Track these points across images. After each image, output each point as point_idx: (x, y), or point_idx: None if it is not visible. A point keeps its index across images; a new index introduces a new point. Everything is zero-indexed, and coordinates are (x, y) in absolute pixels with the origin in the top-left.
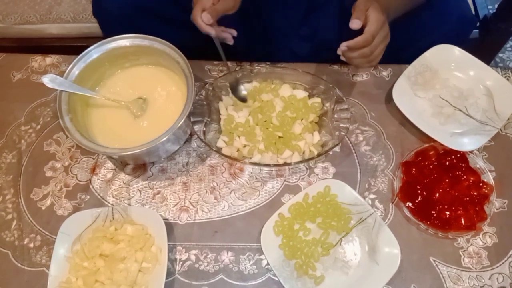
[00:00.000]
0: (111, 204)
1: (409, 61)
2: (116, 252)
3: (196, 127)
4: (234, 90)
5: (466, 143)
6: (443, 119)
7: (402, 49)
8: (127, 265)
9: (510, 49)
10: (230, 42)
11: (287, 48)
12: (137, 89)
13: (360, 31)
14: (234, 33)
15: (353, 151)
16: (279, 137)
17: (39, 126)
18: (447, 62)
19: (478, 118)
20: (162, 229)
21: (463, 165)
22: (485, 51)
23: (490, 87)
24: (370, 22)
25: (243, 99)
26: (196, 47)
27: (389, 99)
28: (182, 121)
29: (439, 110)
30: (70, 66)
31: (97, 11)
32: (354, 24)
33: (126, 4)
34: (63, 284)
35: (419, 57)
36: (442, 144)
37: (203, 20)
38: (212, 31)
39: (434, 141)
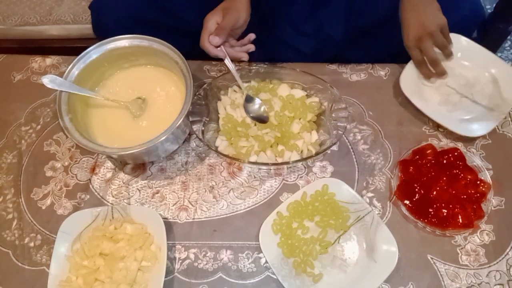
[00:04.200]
0: (111, 204)
1: None
2: (116, 251)
3: (195, 127)
4: (248, 109)
5: (476, 129)
6: (451, 107)
7: None
8: (126, 263)
9: (508, 48)
10: (246, 58)
11: (289, 47)
12: (136, 89)
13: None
14: (252, 36)
15: (351, 150)
16: (277, 136)
17: (39, 127)
18: (453, 51)
19: (485, 104)
20: (161, 228)
21: (461, 163)
22: None
23: (495, 74)
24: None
25: (263, 119)
26: (196, 53)
27: (387, 98)
28: (181, 120)
29: (446, 97)
30: (70, 67)
31: (98, 30)
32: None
33: (123, 17)
34: (63, 283)
35: None
36: (441, 140)
37: (211, 43)
38: (221, 53)
39: (432, 139)
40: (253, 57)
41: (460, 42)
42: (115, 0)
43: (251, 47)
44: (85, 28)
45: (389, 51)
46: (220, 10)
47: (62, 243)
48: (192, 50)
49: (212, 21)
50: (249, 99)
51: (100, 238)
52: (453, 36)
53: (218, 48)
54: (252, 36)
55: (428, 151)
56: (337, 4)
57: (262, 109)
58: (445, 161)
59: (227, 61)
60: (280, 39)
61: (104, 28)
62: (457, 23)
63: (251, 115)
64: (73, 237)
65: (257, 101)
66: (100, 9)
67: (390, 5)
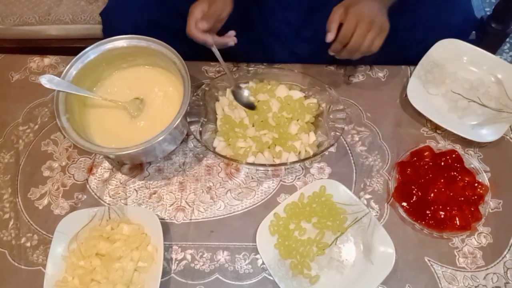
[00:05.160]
0: (108, 204)
1: (415, 59)
2: (112, 251)
3: (193, 127)
4: (238, 96)
5: (487, 134)
6: (460, 113)
7: (408, 47)
8: (123, 264)
9: (507, 50)
10: (232, 43)
11: (287, 50)
12: (134, 89)
13: None
14: (233, 33)
15: (349, 152)
16: (275, 138)
17: (37, 126)
18: (452, 55)
19: (493, 106)
20: (158, 228)
21: (458, 165)
22: None
23: (498, 75)
24: (345, 22)
25: (251, 106)
26: (202, 55)
27: (385, 99)
28: (179, 121)
29: (454, 104)
30: (68, 67)
31: (107, 32)
32: (328, 37)
33: (140, 22)
34: (59, 283)
35: (425, 55)
36: (439, 142)
37: (199, 28)
38: (208, 39)
39: (430, 141)
40: (252, 58)
41: (456, 46)
42: (129, 6)
43: (232, 32)
44: (84, 28)
45: (388, 53)
46: (206, 0)
47: (58, 243)
48: (197, 52)
49: (198, 9)
50: (238, 87)
51: (96, 239)
52: (452, 42)
53: (206, 33)
54: (232, 32)
55: (426, 153)
56: (331, 9)
57: (250, 97)
58: (442, 163)
59: (214, 49)
60: (279, 41)
61: (115, 32)
62: (450, 32)
63: (242, 100)
64: (69, 237)
65: (246, 91)
66: (113, 15)
67: None
